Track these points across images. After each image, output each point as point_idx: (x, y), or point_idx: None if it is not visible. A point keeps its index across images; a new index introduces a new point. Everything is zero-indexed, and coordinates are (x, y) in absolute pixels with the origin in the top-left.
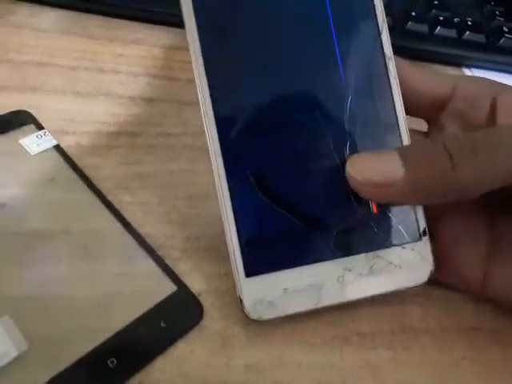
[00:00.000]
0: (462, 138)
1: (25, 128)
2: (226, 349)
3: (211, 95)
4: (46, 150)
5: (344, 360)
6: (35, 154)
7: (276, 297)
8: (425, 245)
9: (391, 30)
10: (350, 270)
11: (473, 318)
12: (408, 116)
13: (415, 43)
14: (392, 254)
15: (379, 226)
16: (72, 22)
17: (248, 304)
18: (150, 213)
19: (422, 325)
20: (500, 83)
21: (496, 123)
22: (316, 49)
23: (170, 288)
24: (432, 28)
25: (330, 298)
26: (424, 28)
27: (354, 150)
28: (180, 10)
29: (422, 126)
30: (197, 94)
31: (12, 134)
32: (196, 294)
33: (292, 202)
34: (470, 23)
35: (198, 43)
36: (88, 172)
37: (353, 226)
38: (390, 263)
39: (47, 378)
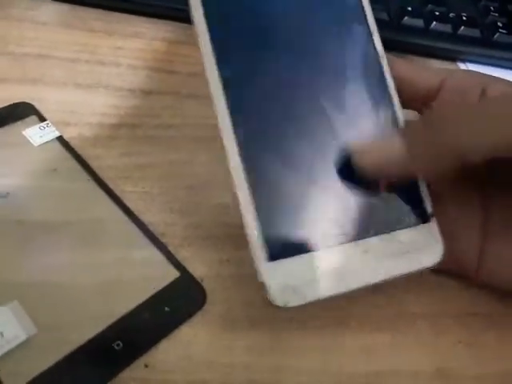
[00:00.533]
0: (457, 107)
1: (27, 120)
2: (228, 332)
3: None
4: (48, 141)
5: (342, 344)
6: (38, 145)
7: (300, 282)
8: (434, 226)
9: (387, 24)
10: (368, 252)
11: (468, 303)
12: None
13: (411, 38)
14: (406, 236)
15: (391, 207)
16: (71, 15)
17: (273, 290)
18: (151, 202)
19: (417, 310)
20: (489, 75)
21: None
22: (314, 50)
23: (173, 274)
24: (427, 23)
25: (352, 282)
26: (420, 23)
27: (360, 134)
28: (188, 5)
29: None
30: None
31: (15, 126)
32: (198, 280)
33: (309, 184)
34: (464, 18)
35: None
36: (90, 162)
37: (367, 208)
38: (404, 244)
39: (55, 361)
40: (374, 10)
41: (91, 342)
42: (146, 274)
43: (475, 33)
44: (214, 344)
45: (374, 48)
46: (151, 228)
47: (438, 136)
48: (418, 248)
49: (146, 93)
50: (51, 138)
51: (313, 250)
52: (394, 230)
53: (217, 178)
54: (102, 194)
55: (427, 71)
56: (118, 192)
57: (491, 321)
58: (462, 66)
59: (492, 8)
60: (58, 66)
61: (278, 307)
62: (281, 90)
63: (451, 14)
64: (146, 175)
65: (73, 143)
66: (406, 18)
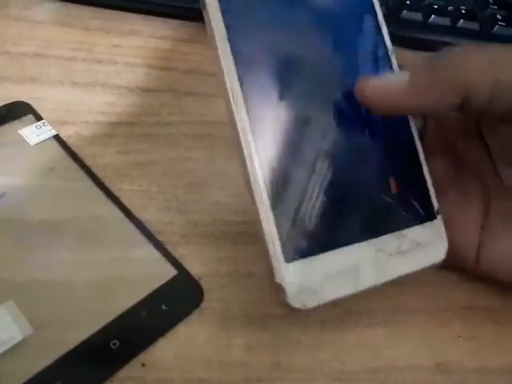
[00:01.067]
0: (459, 48)
1: (24, 119)
2: (225, 330)
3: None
4: (45, 140)
5: (341, 339)
6: (35, 144)
7: (316, 282)
8: (439, 223)
9: (386, 18)
10: (381, 251)
11: (467, 297)
12: None
13: (410, 31)
14: (415, 233)
15: (401, 205)
16: (68, 14)
17: (291, 291)
18: (148, 200)
19: (417, 304)
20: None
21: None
22: (325, 44)
23: (170, 272)
24: (426, 16)
25: (367, 281)
26: (418, 16)
27: (371, 132)
28: (203, 5)
29: None
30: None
31: (11, 125)
32: (196, 278)
33: (322, 184)
34: (463, 11)
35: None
36: (87, 161)
37: (378, 206)
38: (414, 242)
39: (51, 361)
40: None
41: (88, 341)
42: (143, 273)
43: (474, 26)
44: (212, 342)
45: (384, 42)
46: (148, 226)
47: (441, 70)
48: (426, 245)
49: (144, 90)
50: (48, 137)
51: (328, 250)
52: (405, 227)
53: (215, 176)
54: (99, 193)
55: None
56: (115, 190)
57: (490, 314)
58: None
59: (491, 1)
60: (54, 65)
61: (295, 309)
62: (294, 90)
63: (450, 8)
64: (144, 173)
65: (70, 142)
66: (404, 11)
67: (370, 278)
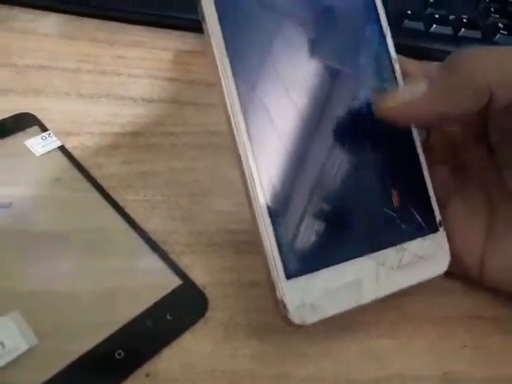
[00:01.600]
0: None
1: (29, 130)
2: (230, 340)
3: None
4: (50, 151)
5: (347, 349)
6: (40, 155)
7: (317, 298)
8: (442, 235)
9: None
10: (382, 265)
11: (473, 306)
12: None
13: (411, 41)
14: (416, 246)
15: (402, 218)
16: (73, 26)
17: (292, 308)
18: (153, 210)
19: (423, 314)
20: None
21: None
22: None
23: (174, 282)
24: (428, 26)
25: (368, 295)
26: (420, 26)
27: (373, 144)
28: (202, 18)
29: None
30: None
31: (17, 136)
32: (200, 287)
33: (323, 199)
34: (465, 20)
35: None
36: (92, 171)
37: (379, 220)
38: (416, 255)
39: (56, 371)
40: None
41: (93, 351)
42: (147, 282)
43: (476, 34)
44: (217, 352)
45: (387, 50)
46: (153, 236)
47: (464, 73)
48: (427, 258)
49: (148, 101)
50: (53, 148)
51: (329, 266)
52: (406, 240)
53: (218, 186)
54: (104, 203)
55: (430, 66)
56: (119, 200)
57: (496, 324)
58: None
59: (492, 9)
60: (59, 77)
61: (295, 325)
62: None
63: (451, 17)
64: (148, 183)
65: (75, 153)
66: (406, 21)
67: (370, 293)
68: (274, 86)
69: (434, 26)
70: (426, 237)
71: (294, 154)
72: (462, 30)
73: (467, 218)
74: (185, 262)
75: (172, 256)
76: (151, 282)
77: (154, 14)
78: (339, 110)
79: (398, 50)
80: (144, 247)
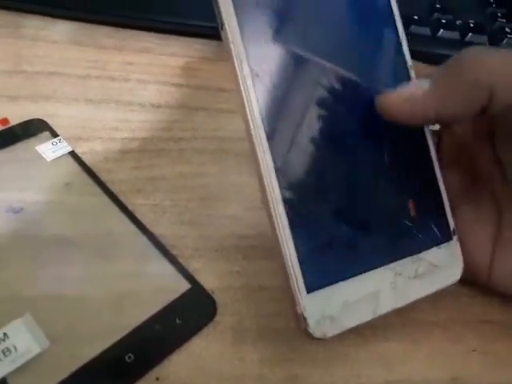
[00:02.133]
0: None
1: (40, 135)
2: (239, 344)
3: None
4: (61, 156)
5: (356, 353)
6: (51, 161)
7: (337, 311)
8: (455, 243)
9: None
10: (400, 275)
11: (482, 311)
12: None
13: (418, 46)
14: (432, 255)
15: (418, 228)
16: (82, 33)
17: (312, 322)
18: (162, 214)
19: (432, 318)
20: None
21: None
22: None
23: (184, 286)
24: (435, 31)
25: (387, 306)
26: (427, 31)
27: (389, 154)
28: (220, 25)
29: None
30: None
31: (28, 142)
32: (209, 291)
33: (341, 210)
34: (472, 25)
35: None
36: (102, 176)
37: (397, 230)
38: (431, 264)
39: (67, 375)
40: None
41: (103, 354)
42: (157, 286)
43: (483, 39)
44: (226, 356)
45: (404, 57)
46: (162, 240)
47: (464, 73)
48: (442, 267)
49: (156, 107)
50: (63, 153)
51: (348, 278)
52: (422, 250)
53: (227, 191)
54: (114, 208)
55: None
56: (129, 205)
57: (505, 328)
58: None
59: (499, 14)
60: (69, 83)
61: (315, 339)
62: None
63: (458, 22)
64: (157, 188)
65: (85, 158)
66: (412, 26)
67: (388, 303)
68: (293, 91)
69: (441, 30)
70: (441, 245)
71: (314, 166)
72: (469, 34)
73: (475, 224)
74: (194, 267)
75: (181, 260)
76: (161, 286)
77: (162, 20)
78: (357, 121)
79: None
80: (153, 251)
